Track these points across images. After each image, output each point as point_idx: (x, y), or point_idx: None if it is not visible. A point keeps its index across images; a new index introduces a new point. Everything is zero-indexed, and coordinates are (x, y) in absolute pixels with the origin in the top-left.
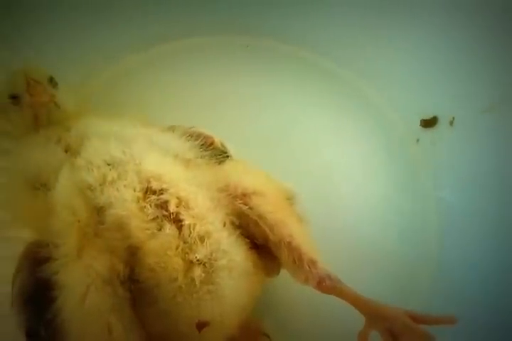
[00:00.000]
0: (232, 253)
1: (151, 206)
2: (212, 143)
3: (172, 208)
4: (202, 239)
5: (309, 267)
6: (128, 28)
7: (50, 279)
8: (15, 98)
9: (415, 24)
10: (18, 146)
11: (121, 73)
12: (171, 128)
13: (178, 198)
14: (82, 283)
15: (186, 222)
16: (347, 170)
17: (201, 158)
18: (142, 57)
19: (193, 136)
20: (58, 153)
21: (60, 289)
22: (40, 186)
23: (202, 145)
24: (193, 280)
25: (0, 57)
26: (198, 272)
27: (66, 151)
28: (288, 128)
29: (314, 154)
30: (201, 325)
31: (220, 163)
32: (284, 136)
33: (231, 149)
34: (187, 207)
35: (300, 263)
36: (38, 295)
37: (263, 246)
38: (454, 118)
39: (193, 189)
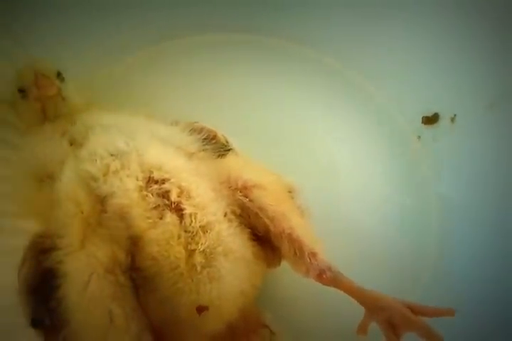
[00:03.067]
0: (230, 242)
1: (152, 195)
2: (214, 137)
3: (173, 197)
4: (204, 229)
5: (310, 259)
6: (134, 25)
7: (54, 269)
8: (23, 91)
9: (417, 21)
10: (25, 139)
11: (127, 69)
12: (175, 123)
13: (179, 188)
14: (85, 271)
15: (187, 211)
16: (349, 166)
17: (203, 151)
18: (148, 54)
19: (196, 129)
20: (63, 146)
21: (63, 278)
22: (46, 178)
23: (204, 138)
24: (194, 266)
25: (9, 53)
26: (198, 259)
27: (71, 144)
28: (291, 124)
29: (317, 150)
30: (201, 309)
31: (222, 156)
32: (287, 132)
33: (234, 143)
34: (188, 197)
35: (301, 254)
36: (42, 284)
37: (264, 237)
38: (455, 115)
39: (194, 179)
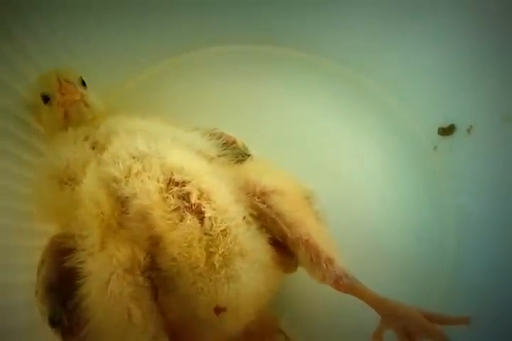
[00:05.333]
0: (247, 245)
1: (173, 197)
2: (233, 142)
3: (194, 200)
4: (224, 233)
5: (326, 265)
6: (158, 36)
7: (74, 268)
8: (46, 97)
9: (436, 33)
10: (48, 143)
11: (150, 77)
12: (195, 129)
13: (199, 190)
14: (105, 271)
15: (208, 215)
16: (366, 177)
17: (223, 156)
18: (170, 63)
19: (216, 135)
20: (86, 150)
21: (84, 277)
22: (68, 181)
23: (224, 143)
24: (212, 265)
25: (33, 59)
26: (217, 258)
27: (93, 148)
28: (307, 133)
29: (334, 159)
30: (218, 310)
31: (240, 162)
32: (304, 140)
33: (252, 150)
34: (208, 200)
35: (317, 261)
36: (61, 284)
37: (281, 243)
38: (471, 126)
39: (214, 182)
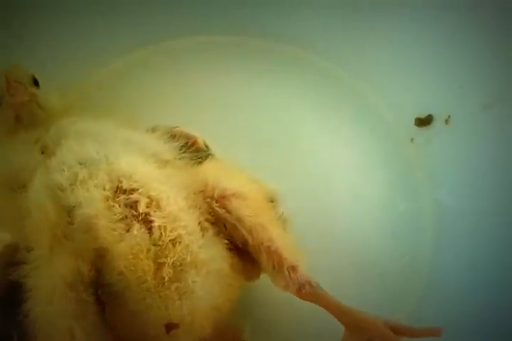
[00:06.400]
0: (202, 253)
1: (119, 205)
2: (194, 144)
3: (142, 208)
4: (174, 243)
5: (289, 273)
6: (118, 30)
7: (21, 282)
8: None
9: (410, 21)
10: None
11: (110, 74)
12: (154, 129)
13: (148, 198)
14: (48, 286)
15: (156, 224)
16: (341, 170)
17: (180, 159)
18: (132, 59)
19: (175, 136)
20: (35, 154)
21: (28, 292)
22: (18, 188)
23: (182, 146)
24: (162, 278)
25: None
26: (166, 270)
27: (43, 152)
28: (280, 127)
29: (308, 154)
30: (170, 327)
31: (200, 162)
32: (276, 135)
33: (217, 149)
34: (158, 208)
35: (280, 268)
36: (10, 298)
37: (243, 249)
38: (449, 116)
39: (165, 188)
